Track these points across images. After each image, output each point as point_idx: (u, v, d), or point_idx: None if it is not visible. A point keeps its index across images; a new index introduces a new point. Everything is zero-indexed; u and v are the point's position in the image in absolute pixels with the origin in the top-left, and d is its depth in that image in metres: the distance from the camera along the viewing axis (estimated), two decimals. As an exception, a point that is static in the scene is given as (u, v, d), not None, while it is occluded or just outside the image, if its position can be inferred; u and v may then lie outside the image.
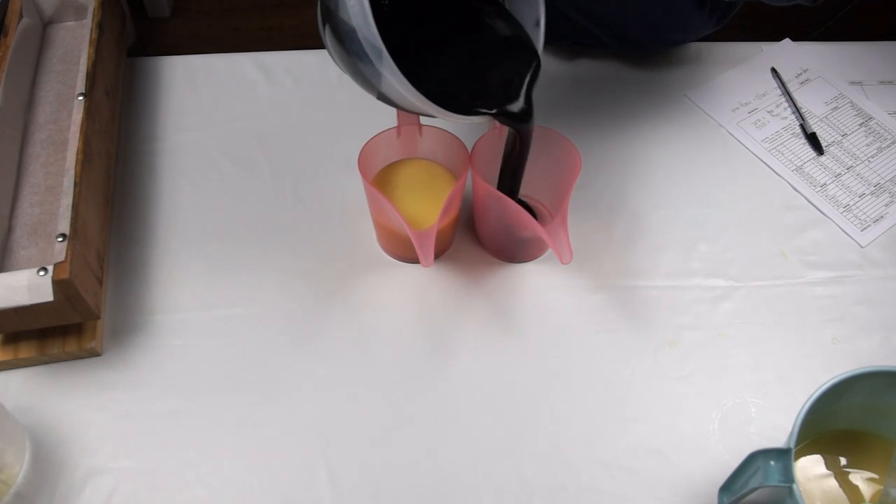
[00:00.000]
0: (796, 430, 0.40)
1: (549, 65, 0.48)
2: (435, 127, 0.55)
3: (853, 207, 0.64)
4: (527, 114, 0.46)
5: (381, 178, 0.57)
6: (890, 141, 0.68)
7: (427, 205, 0.55)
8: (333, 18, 0.40)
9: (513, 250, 0.59)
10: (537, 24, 0.47)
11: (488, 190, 0.51)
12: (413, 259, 0.57)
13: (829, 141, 0.68)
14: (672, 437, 0.51)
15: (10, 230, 0.53)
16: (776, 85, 0.72)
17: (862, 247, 0.61)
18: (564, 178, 0.56)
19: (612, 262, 0.59)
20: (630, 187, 0.64)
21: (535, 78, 0.47)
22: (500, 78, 0.47)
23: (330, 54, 0.44)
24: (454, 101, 0.43)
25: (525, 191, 0.57)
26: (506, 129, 0.55)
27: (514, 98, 0.46)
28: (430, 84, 0.40)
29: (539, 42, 0.47)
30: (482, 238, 0.59)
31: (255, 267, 0.58)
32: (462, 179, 0.53)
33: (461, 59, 0.48)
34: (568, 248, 0.48)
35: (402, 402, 0.52)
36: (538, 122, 0.48)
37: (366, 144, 0.53)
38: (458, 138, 0.54)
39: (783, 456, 0.39)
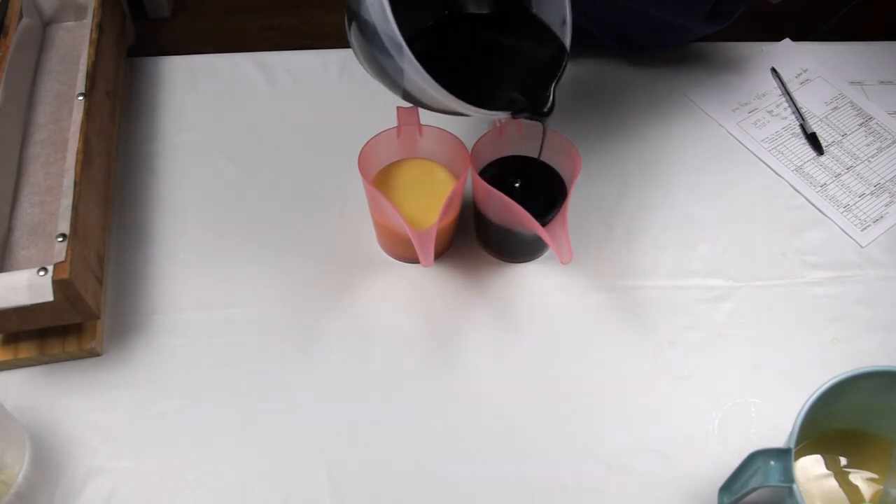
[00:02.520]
0: (796, 430, 0.40)
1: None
2: (435, 127, 0.55)
3: (853, 207, 0.64)
4: (550, 110, 0.48)
5: (381, 178, 0.57)
6: (890, 141, 0.68)
7: (427, 205, 0.55)
8: (357, 19, 0.40)
9: (513, 250, 0.59)
10: (563, 23, 0.47)
11: (488, 190, 0.51)
12: (413, 259, 0.57)
13: (829, 141, 0.68)
14: (672, 437, 0.51)
15: (10, 230, 0.53)
16: (776, 85, 0.72)
17: (862, 247, 0.61)
18: (564, 178, 0.56)
19: (611, 262, 0.59)
20: (630, 187, 0.64)
21: (561, 75, 0.48)
22: (525, 75, 0.48)
23: (357, 58, 0.44)
24: (477, 97, 0.43)
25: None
26: (506, 130, 0.55)
27: (542, 97, 0.47)
28: (454, 80, 0.40)
29: (566, 39, 0.47)
30: (482, 238, 0.59)
31: (255, 267, 0.58)
32: (462, 179, 0.53)
33: (486, 58, 0.48)
34: (568, 248, 0.48)
35: (402, 402, 0.52)
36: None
37: (366, 144, 0.53)
38: (458, 138, 0.54)
39: (783, 456, 0.39)
